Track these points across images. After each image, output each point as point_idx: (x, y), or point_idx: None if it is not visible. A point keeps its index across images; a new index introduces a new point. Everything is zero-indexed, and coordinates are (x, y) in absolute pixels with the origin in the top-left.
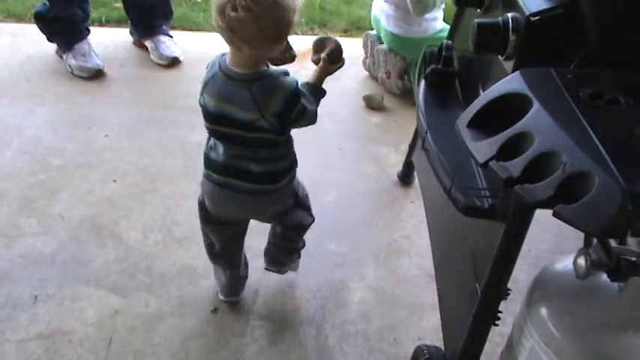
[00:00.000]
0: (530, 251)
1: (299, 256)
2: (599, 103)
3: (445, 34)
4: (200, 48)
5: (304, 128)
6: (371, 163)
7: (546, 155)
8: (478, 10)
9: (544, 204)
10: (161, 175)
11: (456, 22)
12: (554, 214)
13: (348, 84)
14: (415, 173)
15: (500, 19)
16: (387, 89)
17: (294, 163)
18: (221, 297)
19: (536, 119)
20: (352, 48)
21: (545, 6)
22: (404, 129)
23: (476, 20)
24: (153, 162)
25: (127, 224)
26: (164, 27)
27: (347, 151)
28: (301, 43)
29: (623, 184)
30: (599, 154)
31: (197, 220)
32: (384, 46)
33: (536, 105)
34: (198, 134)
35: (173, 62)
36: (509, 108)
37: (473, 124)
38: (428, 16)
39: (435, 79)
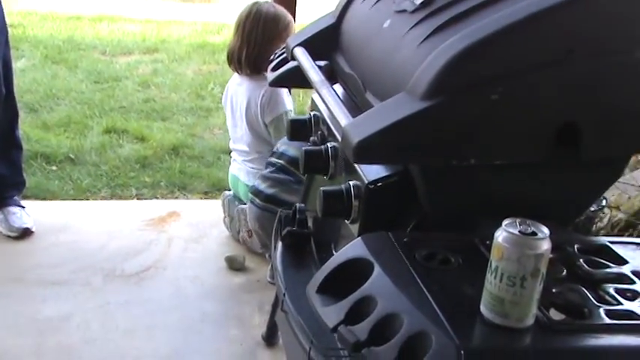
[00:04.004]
0: None
1: None
2: (433, 263)
3: None
4: (53, 217)
5: (165, 294)
6: (235, 325)
7: (388, 318)
8: (325, 177)
9: None
10: (6, 357)
11: (307, 186)
12: None
13: (209, 246)
14: (280, 333)
15: (343, 186)
16: (248, 249)
17: None
18: None
19: (377, 283)
20: (213, 210)
21: (382, 174)
22: (266, 288)
23: (321, 188)
24: None
25: None
26: (15, 198)
27: (210, 315)
28: (162, 207)
29: (457, 342)
30: (434, 313)
31: None
32: (244, 206)
33: (377, 269)
34: (49, 309)
35: (24, 233)
36: (354, 272)
37: (321, 289)
38: None
39: (291, 241)
